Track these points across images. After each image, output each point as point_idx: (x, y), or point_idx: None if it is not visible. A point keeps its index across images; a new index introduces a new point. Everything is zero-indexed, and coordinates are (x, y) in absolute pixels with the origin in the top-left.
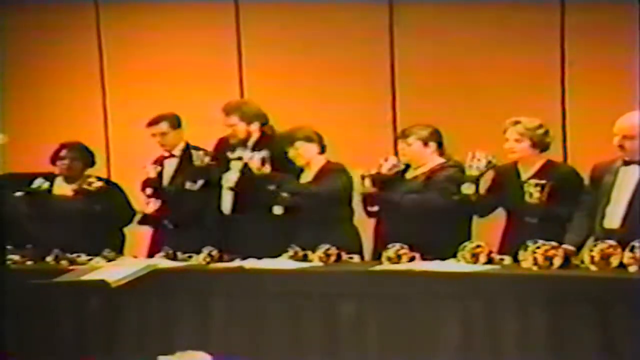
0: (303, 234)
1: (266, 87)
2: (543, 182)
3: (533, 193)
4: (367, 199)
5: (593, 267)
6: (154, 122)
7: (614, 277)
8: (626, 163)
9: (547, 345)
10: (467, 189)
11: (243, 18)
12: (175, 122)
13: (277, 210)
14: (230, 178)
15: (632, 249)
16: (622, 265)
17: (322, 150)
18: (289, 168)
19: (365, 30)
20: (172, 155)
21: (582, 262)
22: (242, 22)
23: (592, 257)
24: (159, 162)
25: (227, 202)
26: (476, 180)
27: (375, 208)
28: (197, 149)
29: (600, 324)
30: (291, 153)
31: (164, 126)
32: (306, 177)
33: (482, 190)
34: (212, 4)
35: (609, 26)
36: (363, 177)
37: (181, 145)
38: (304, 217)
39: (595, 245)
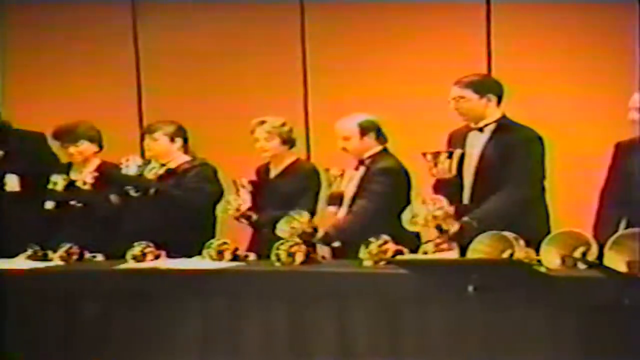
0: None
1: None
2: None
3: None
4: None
5: (278, 264)
6: None
7: (352, 272)
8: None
9: (288, 339)
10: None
11: None
12: None
13: (49, 205)
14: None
15: (367, 245)
16: (307, 260)
17: (100, 148)
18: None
19: (110, 28)
20: None
21: (279, 259)
22: None
23: (278, 255)
24: None
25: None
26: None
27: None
28: None
29: (338, 317)
30: (71, 150)
31: None
32: (77, 174)
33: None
34: None
35: (352, 26)
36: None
37: None
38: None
39: (281, 244)
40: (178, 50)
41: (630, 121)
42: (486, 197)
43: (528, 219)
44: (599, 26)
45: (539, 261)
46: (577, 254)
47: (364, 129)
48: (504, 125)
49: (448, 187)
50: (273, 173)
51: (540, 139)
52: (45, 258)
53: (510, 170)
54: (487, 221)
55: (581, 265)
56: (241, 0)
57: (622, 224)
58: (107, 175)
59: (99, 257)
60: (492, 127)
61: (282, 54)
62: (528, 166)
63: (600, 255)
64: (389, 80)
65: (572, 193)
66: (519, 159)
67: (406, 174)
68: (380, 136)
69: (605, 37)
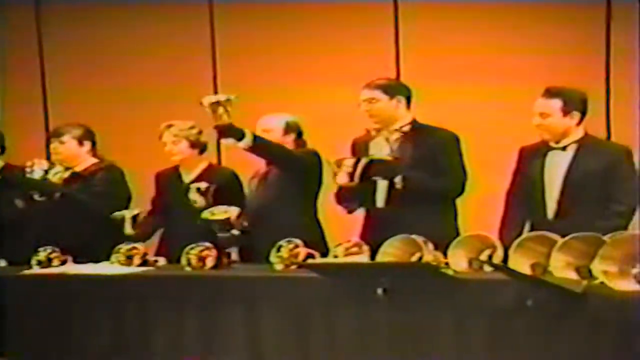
0: None
1: None
2: (204, 185)
3: (196, 199)
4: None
5: (188, 269)
6: None
7: (263, 276)
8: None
9: (199, 343)
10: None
11: None
12: None
13: None
14: None
15: (278, 249)
16: (217, 266)
17: (3, 151)
18: None
19: (13, 28)
20: None
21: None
22: None
23: (189, 260)
24: None
25: None
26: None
27: None
28: None
29: (249, 321)
30: None
31: None
32: None
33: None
34: None
35: (262, 27)
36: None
37: None
38: None
39: (192, 249)
40: (84, 51)
41: (534, 126)
42: (401, 201)
43: (438, 220)
44: (505, 26)
45: (446, 264)
46: (483, 256)
47: (289, 128)
48: (418, 128)
49: (353, 194)
50: (186, 178)
51: (457, 138)
52: None
53: (431, 170)
54: (409, 183)
55: (487, 268)
56: (150, 0)
57: (526, 227)
58: (11, 178)
59: (2, 263)
60: (405, 129)
61: (192, 55)
62: (449, 164)
63: (506, 258)
64: (300, 81)
65: (479, 196)
66: (439, 159)
67: (320, 171)
68: (300, 139)
69: (516, 38)
